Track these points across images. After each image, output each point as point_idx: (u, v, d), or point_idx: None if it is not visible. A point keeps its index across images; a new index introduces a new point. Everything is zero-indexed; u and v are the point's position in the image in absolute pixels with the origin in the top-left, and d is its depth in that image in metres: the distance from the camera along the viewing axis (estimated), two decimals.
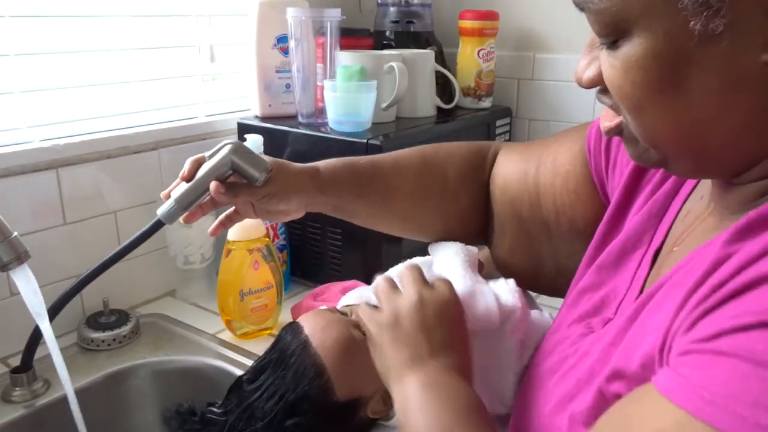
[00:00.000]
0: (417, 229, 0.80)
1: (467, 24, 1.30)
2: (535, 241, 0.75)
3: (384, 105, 1.12)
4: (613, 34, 0.43)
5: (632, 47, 0.42)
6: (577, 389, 0.50)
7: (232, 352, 0.94)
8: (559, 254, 0.73)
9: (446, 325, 0.60)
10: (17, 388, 0.84)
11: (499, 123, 1.34)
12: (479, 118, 1.30)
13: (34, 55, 0.98)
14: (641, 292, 0.54)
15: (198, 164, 0.68)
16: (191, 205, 0.68)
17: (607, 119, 0.50)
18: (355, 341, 0.66)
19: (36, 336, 0.81)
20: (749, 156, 0.44)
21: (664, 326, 0.42)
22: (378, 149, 1.00)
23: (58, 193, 0.97)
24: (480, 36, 1.29)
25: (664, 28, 0.40)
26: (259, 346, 0.93)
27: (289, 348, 0.66)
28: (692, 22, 0.39)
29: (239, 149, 0.67)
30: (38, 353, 0.84)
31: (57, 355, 0.75)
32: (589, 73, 0.49)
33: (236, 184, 0.68)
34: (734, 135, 0.42)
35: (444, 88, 1.29)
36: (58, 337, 0.73)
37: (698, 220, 0.52)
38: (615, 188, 0.64)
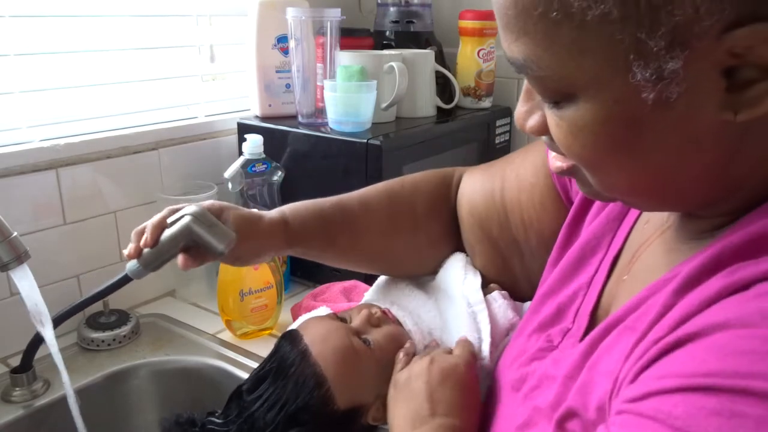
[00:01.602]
0: (387, 266, 0.81)
1: (467, 24, 1.30)
2: (508, 261, 0.76)
3: (384, 105, 1.12)
4: (556, 97, 0.41)
5: (579, 111, 0.40)
6: (538, 418, 0.50)
7: (232, 352, 0.94)
8: (532, 272, 0.72)
9: (451, 388, 0.61)
10: (17, 388, 0.84)
11: (499, 123, 1.34)
12: (479, 118, 1.30)
13: (34, 55, 0.98)
14: (598, 300, 0.54)
15: (160, 229, 0.65)
16: (157, 266, 0.65)
17: (559, 159, 0.47)
18: (354, 350, 0.66)
19: (39, 337, 0.81)
20: (707, 198, 0.43)
21: (614, 373, 0.42)
22: (378, 149, 1.00)
23: (58, 193, 0.97)
24: (480, 36, 1.29)
25: (614, 96, 0.38)
26: (259, 346, 0.93)
27: (288, 358, 0.66)
28: (644, 94, 0.37)
29: (200, 218, 0.64)
30: (38, 353, 0.84)
31: (58, 357, 0.75)
32: (532, 123, 0.46)
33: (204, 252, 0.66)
34: (692, 183, 0.41)
35: (444, 88, 1.29)
36: (58, 337, 0.74)
37: (656, 233, 0.51)
38: (578, 192, 0.64)
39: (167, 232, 0.64)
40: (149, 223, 0.65)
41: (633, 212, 0.56)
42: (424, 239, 0.79)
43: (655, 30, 0.35)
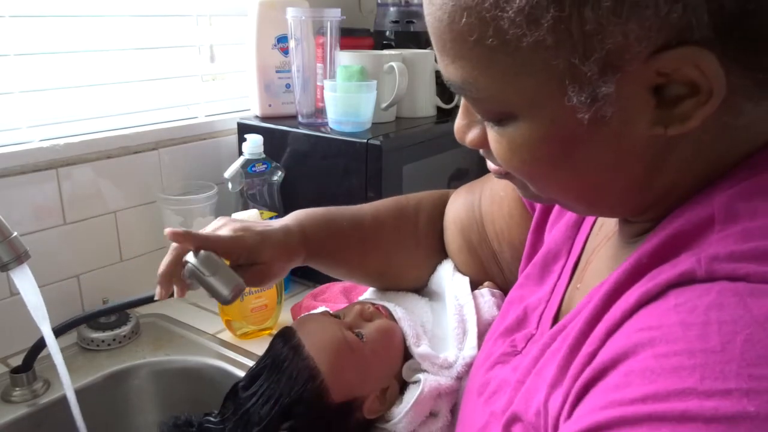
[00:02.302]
0: (388, 282, 0.82)
1: None
2: (489, 273, 0.78)
3: (384, 105, 1.12)
4: (496, 117, 0.42)
5: (518, 129, 0.41)
6: (492, 423, 0.51)
7: (232, 352, 0.94)
8: (510, 285, 0.73)
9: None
10: (17, 388, 0.84)
11: None
12: None
13: (34, 55, 0.98)
14: (560, 305, 0.55)
15: (170, 278, 0.64)
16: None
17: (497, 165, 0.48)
18: (347, 342, 0.67)
19: (42, 337, 0.81)
20: (636, 206, 0.44)
21: (548, 381, 0.43)
22: (378, 149, 1.00)
23: (58, 193, 0.97)
24: None
25: (551, 116, 0.39)
26: (259, 346, 0.93)
27: (282, 352, 0.67)
28: (579, 114, 0.38)
29: (202, 267, 0.61)
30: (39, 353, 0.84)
31: (58, 357, 0.75)
32: (472, 137, 0.47)
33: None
34: (622, 192, 0.43)
35: (444, 88, 1.27)
36: (58, 337, 0.74)
37: (606, 238, 0.52)
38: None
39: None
40: (159, 275, 0.64)
41: (589, 219, 0.57)
42: (423, 253, 0.81)
43: (588, 56, 0.36)
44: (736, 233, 0.36)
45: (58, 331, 0.79)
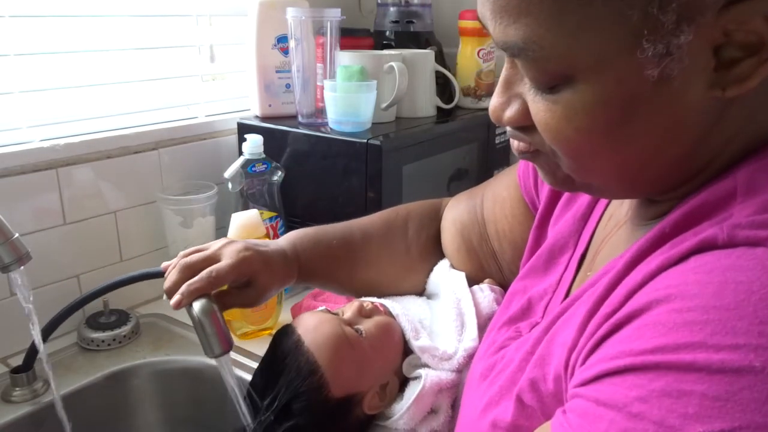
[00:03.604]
0: (382, 292, 0.82)
1: (467, 24, 1.30)
2: (487, 272, 0.79)
3: (384, 105, 1.12)
4: (552, 81, 0.40)
5: (576, 93, 0.39)
6: (500, 396, 0.51)
7: (232, 352, 0.93)
8: (508, 285, 0.74)
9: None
10: (17, 388, 0.84)
11: None
12: (479, 118, 1.30)
13: (34, 55, 0.98)
14: (566, 296, 0.55)
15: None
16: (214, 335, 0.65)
17: (524, 142, 0.46)
18: (346, 338, 0.67)
19: (42, 336, 0.82)
20: (674, 182, 0.44)
21: (567, 344, 0.43)
22: (378, 149, 1.00)
23: (58, 193, 0.97)
24: (480, 36, 1.29)
25: (618, 75, 0.38)
26: (259, 346, 0.93)
27: (282, 349, 0.68)
28: (648, 70, 0.37)
29: (208, 313, 0.63)
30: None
31: (45, 358, 0.75)
32: (510, 113, 0.44)
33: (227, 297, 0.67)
34: (669, 166, 0.42)
35: (444, 88, 1.29)
36: (58, 337, 0.74)
37: (617, 226, 0.52)
38: (542, 199, 0.66)
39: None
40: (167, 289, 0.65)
41: (597, 211, 0.57)
42: (415, 261, 0.82)
43: (665, 5, 0.35)
44: (757, 204, 0.37)
45: (53, 325, 0.79)
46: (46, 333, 0.78)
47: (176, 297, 0.63)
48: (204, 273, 0.64)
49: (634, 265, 0.41)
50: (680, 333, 0.34)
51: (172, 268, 0.66)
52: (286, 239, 0.76)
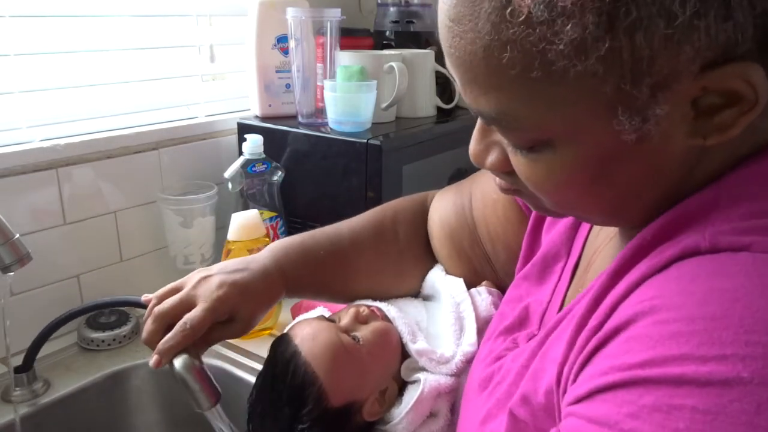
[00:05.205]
0: (378, 296, 0.81)
1: None
2: (482, 276, 0.77)
3: (384, 105, 1.12)
4: (530, 144, 0.41)
5: (555, 154, 0.40)
6: (497, 409, 0.51)
7: (232, 352, 0.94)
8: (504, 289, 0.72)
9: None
10: (17, 388, 0.84)
11: None
12: None
13: (34, 55, 0.98)
14: (561, 307, 0.55)
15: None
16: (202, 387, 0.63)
17: (505, 181, 0.47)
18: (343, 346, 0.67)
19: (42, 336, 0.82)
20: (656, 213, 0.43)
21: (557, 359, 0.43)
22: (378, 149, 1.00)
23: (58, 193, 0.97)
24: None
25: (596, 140, 0.38)
26: (259, 346, 0.93)
27: (280, 360, 0.67)
28: (626, 135, 0.37)
29: (190, 369, 0.61)
30: (39, 353, 0.84)
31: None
32: (492, 160, 0.45)
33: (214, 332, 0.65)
34: (652, 204, 0.42)
35: (444, 88, 1.29)
36: (58, 337, 0.74)
37: (607, 238, 0.52)
38: None
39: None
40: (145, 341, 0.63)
41: None
42: (409, 265, 0.81)
43: (638, 81, 0.35)
44: (739, 212, 0.37)
45: (53, 328, 0.79)
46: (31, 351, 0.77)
47: (154, 357, 0.61)
48: (178, 327, 0.61)
49: (619, 276, 0.41)
50: (667, 345, 0.33)
51: (149, 313, 0.63)
52: (271, 253, 0.72)
